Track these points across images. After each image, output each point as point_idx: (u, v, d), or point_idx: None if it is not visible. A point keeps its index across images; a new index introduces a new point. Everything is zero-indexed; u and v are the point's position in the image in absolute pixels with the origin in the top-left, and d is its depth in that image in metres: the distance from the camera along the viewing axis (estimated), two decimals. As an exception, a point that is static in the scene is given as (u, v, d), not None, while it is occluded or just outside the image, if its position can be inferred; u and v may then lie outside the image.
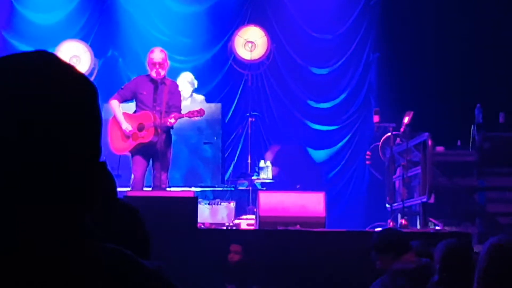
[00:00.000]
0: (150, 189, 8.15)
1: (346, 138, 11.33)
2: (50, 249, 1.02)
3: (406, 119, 8.67)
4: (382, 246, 4.67)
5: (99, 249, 1.07)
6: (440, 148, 8.81)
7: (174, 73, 9.72)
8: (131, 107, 8.44)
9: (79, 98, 1.06)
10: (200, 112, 8.04)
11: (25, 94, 1.01)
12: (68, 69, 1.07)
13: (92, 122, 1.07)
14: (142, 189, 8.07)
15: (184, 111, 8.17)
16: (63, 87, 1.04)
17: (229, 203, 8.96)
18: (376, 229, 7.95)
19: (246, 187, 9.75)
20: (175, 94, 8.25)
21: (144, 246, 2.05)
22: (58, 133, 1.02)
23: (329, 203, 8.38)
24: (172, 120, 7.94)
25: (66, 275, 1.02)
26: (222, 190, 9.85)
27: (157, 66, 8.09)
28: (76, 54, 10.25)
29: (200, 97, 10.20)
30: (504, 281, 2.35)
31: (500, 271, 2.37)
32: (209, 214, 8.78)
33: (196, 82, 10.22)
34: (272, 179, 9.68)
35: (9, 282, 1.00)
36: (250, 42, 10.58)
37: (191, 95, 10.04)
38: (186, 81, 9.97)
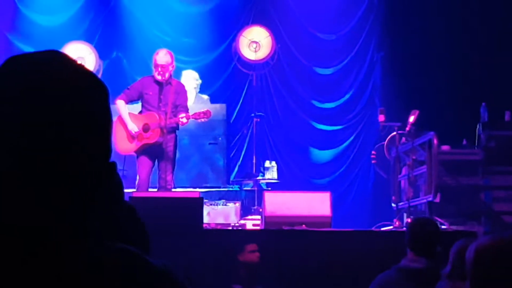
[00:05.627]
0: (155, 190, 8.15)
1: (351, 138, 11.31)
2: (54, 248, 1.02)
3: (411, 118, 8.65)
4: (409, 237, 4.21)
5: (107, 248, 1.07)
6: (445, 147, 8.79)
7: (179, 73, 9.73)
8: (136, 108, 8.45)
9: (91, 97, 1.05)
10: (207, 113, 8.04)
11: (37, 93, 1.01)
12: (80, 69, 1.07)
13: (103, 121, 1.07)
14: (147, 190, 8.07)
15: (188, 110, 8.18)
16: (76, 86, 1.04)
17: (235, 203, 8.96)
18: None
19: (251, 187, 9.74)
20: (181, 94, 8.25)
21: (145, 245, 2.05)
22: (69, 131, 1.01)
23: (335, 203, 8.37)
24: (184, 120, 7.95)
25: (63, 275, 1.02)
26: (227, 191, 9.85)
27: (159, 68, 8.08)
28: (80, 56, 10.24)
29: (204, 97, 10.21)
30: (494, 283, 2.33)
31: (489, 273, 2.34)
32: (214, 214, 8.78)
33: (200, 81, 10.22)
34: (277, 179, 9.68)
35: (11, 281, 1.00)
36: (255, 42, 10.57)
37: (196, 94, 10.04)
38: (190, 79, 9.96)
